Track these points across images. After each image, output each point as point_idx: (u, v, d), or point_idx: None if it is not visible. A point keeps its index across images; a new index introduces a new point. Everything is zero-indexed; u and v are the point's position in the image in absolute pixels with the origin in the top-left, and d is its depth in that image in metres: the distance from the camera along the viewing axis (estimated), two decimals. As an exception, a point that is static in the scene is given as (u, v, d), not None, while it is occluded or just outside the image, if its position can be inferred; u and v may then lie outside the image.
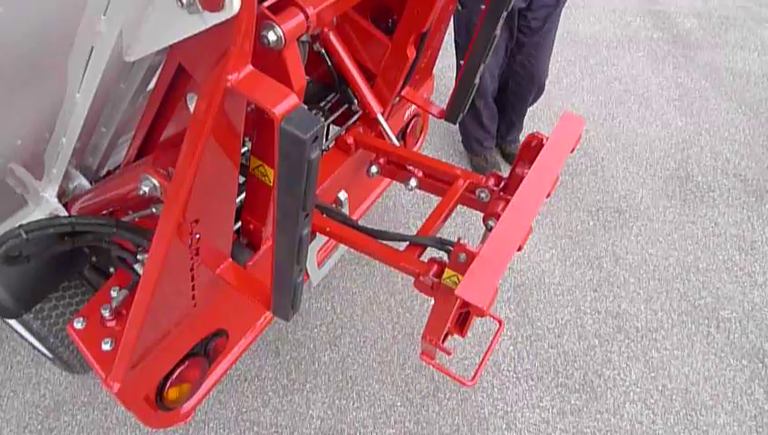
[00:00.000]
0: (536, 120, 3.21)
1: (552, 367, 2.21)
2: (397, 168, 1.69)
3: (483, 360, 1.46)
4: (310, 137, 0.77)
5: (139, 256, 1.35)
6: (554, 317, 2.35)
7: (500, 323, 1.59)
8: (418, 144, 2.20)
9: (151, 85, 1.16)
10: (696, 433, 2.03)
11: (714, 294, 2.44)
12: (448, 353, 1.37)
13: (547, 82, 2.78)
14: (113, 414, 2.05)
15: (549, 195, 1.27)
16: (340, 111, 1.84)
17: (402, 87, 1.71)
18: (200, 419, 2.05)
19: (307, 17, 0.87)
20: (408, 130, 2.06)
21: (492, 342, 1.49)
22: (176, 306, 1.26)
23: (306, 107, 0.81)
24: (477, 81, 1.64)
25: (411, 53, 1.59)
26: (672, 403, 2.11)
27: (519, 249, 1.17)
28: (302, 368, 2.20)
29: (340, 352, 2.24)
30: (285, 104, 0.77)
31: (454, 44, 2.54)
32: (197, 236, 1.08)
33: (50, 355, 1.92)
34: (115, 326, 1.36)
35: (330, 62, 1.68)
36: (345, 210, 1.82)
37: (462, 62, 1.64)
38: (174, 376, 1.39)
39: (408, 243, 1.38)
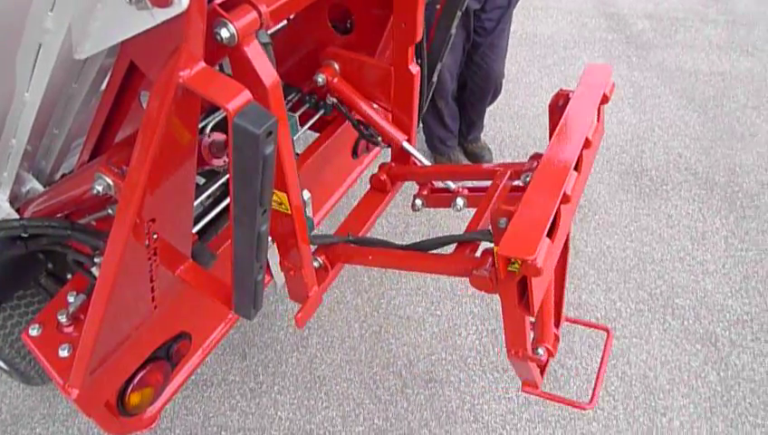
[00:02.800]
0: (497, 119, 3.28)
1: (517, 359, 2.25)
2: (440, 193, 1.62)
3: (598, 377, 1.41)
4: (263, 132, 0.77)
5: (96, 259, 1.33)
6: (518, 310, 2.40)
7: (607, 331, 1.52)
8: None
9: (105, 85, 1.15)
10: (654, 416, 2.11)
11: (668, 283, 2.53)
12: (541, 363, 1.29)
13: (507, 82, 2.85)
14: (75, 426, 2.00)
15: (590, 144, 1.18)
16: (318, 115, 1.85)
17: (422, 106, 1.68)
18: (166, 426, 2.02)
19: (260, 14, 0.88)
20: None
21: (603, 354, 1.45)
22: (135, 309, 1.24)
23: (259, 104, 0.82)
24: (435, 79, 1.67)
25: (414, 68, 1.55)
26: (631, 388, 2.18)
27: (567, 200, 1.06)
28: (270, 370, 2.18)
29: (308, 353, 2.24)
30: (238, 100, 0.78)
31: None
32: (155, 235, 1.07)
33: (6, 367, 1.87)
34: (72, 332, 1.33)
35: (345, 110, 1.69)
36: (309, 210, 1.82)
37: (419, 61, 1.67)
38: (135, 381, 1.37)
39: (455, 245, 1.30)
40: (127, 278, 1.10)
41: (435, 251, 1.33)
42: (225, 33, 0.85)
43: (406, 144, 1.66)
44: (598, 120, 1.27)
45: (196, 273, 1.25)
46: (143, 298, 1.22)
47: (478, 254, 1.22)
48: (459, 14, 1.55)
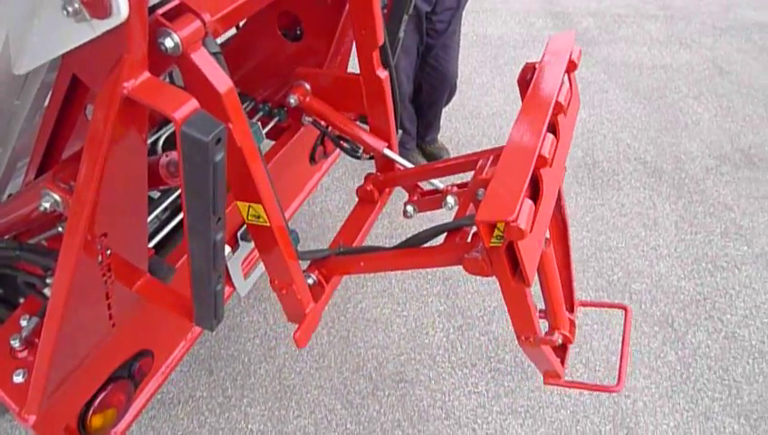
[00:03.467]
0: (453, 119, 3.33)
1: (485, 353, 2.29)
2: (429, 195, 1.60)
3: (622, 357, 1.38)
4: (212, 139, 0.77)
5: (47, 280, 1.29)
6: (482, 305, 2.44)
7: (625, 309, 1.49)
8: (338, 150, 2.23)
9: (48, 101, 1.12)
10: (619, 399, 2.17)
11: (625, 269, 2.61)
12: (554, 344, 1.25)
13: (461, 83, 2.90)
14: (36, 455, 1.93)
15: (562, 109, 1.16)
16: (273, 123, 1.85)
17: (397, 110, 1.65)
18: (133, 448, 1.97)
19: (204, 23, 0.88)
20: (326, 139, 2.08)
21: (624, 333, 1.42)
22: (92, 328, 1.21)
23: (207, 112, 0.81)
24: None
25: (382, 73, 1.54)
26: (596, 373, 2.24)
27: (545, 162, 1.03)
28: (238, 383, 2.16)
29: (277, 363, 2.22)
30: (185, 109, 0.78)
31: None
32: (108, 251, 1.05)
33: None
34: (27, 356, 1.29)
35: (323, 127, 1.68)
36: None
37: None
38: (96, 402, 1.33)
39: (445, 236, 1.28)
40: (80, 297, 1.08)
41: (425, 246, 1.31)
42: (169, 43, 0.84)
43: (386, 151, 1.63)
44: (570, 89, 1.28)
45: (154, 287, 1.23)
46: (99, 317, 1.20)
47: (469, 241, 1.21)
48: (405, 17, 1.57)
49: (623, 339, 1.38)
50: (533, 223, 0.97)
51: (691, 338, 2.37)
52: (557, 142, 1.14)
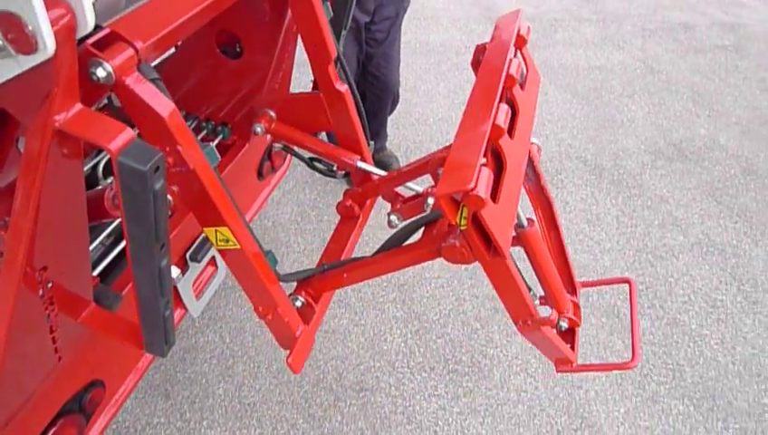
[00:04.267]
0: (400, 127, 3.38)
1: (442, 356, 2.33)
2: (411, 201, 1.56)
3: (633, 331, 1.35)
4: (150, 168, 0.77)
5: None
6: (438, 309, 2.49)
7: (629, 282, 1.48)
8: (286, 163, 2.24)
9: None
10: (572, 390, 2.25)
11: (573, 265, 2.71)
12: (553, 324, 1.20)
13: (405, 90, 2.95)
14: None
15: (514, 81, 1.16)
16: (217, 140, 1.84)
17: (363, 121, 1.63)
18: (89, 481, 1.90)
19: (137, 51, 0.88)
20: (273, 153, 2.09)
21: (632, 307, 1.39)
22: (37, 363, 1.18)
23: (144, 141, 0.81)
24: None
25: (341, 86, 1.53)
26: (549, 368, 2.32)
27: (500, 132, 1.01)
28: (197, 405, 2.12)
29: (235, 382, 2.20)
30: (120, 139, 0.77)
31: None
32: (50, 284, 1.03)
33: None
34: (-31, 398, 1.24)
35: (292, 151, 1.68)
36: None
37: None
38: (47, 439, 1.29)
39: (422, 232, 1.27)
40: (23, 332, 1.05)
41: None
42: (101, 73, 0.84)
43: (360, 163, 1.62)
44: (526, 63, 1.29)
45: (100, 317, 1.20)
46: (45, 350, 1.16)
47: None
48: (344, 33, 1.60)
49: (631, 313, 1.34)
50: (499, 193, 0.98)
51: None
52: (517, 114, 1.14)
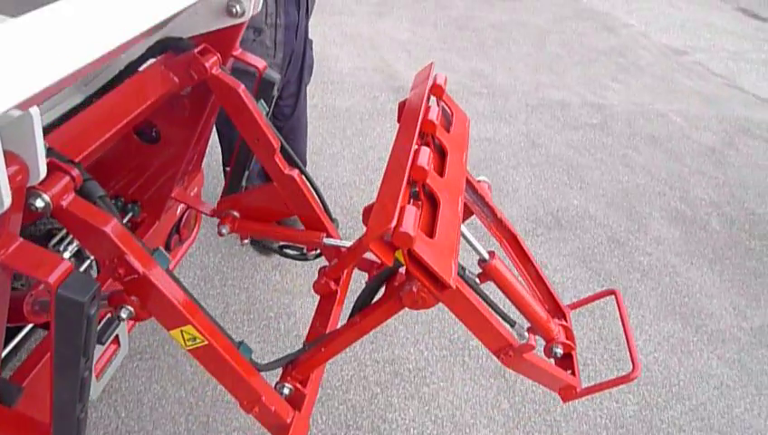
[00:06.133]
0: (306, 189, 3.50)
1: (344, 422, 2.42)
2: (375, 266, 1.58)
3: (629, 342, 1.33)
4: (88, 299, 0.84)
5: None
6: (340, 374, 2.59)
7: (614, 293, 1.48)
8: (193, 235, 2.27)
9: None
10: (463, 451, 2.43)
11: (463, 328, 2.92)
12: (532, 349, 1.16)
13: (312, 154, 3.09)
14: None
15: (434, 127, 1.19)
16: (127, 218, 1.85)
17: (321, 197, 1.70)
18: None
19: (74, 178, 0.94)
20: (182, 225, 2.12)
21: (622, 317, 1.38)
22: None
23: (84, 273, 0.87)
24: (244, 183, 1.81)
25: (292, 172, 1.59)
26: (443, 429, 2.49)
27: (423, 174, 1.03)
28: (88, 487, 2.04)
29: (132, 459, 2.14)
30: (58, 272, 0.83)
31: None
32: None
33: None
34: None
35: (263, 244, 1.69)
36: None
37: (227, 168, 1.80)
38: None
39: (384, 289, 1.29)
40: None
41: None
42: (39, 204, 0.89)
43: (326, 240, 1.66)
44: (450, 108, 1.38)
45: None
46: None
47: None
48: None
49: (622, 322, 1.34)
50: (435, 229, 1.01)
51: (520, 386, 2.74)
52: (446, 155, 1.20)
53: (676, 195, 4.30)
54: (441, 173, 1.17)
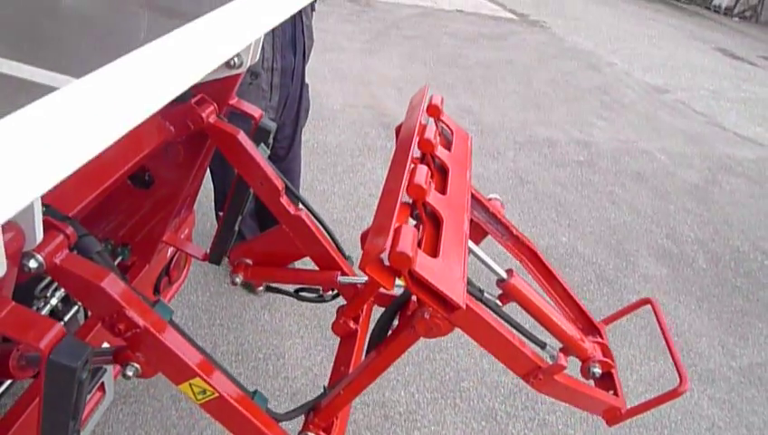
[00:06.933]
0: (297, 226, 3.50)
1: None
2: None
3: (672, 353, 1.25)
4: (80, 364, 0.82)
5: None
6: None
7: (650, 302, 1.40)
8: (183, 276, 2.25)
9: None
10: (455, 498, 2.39)
11: (455, 369, 2.92)
12: (563, 368, 1.08)
13: (303, 190, 3.09)
14: None
15: (432, 146, 1.16)
16: (117, 261, 1.82)
17: (331, 235, 1.67)
18: None
19: (68, 237, 0.93)
20: (172, 266, 2.10)
21: (661, 327, 1.31)
22: None
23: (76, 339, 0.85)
24: (237, 228, 1.80)
25: (298, 212, 1.56)
26: (433, 476, 2.45)
27: (422, 193, 0.99)
28: None
29: (113, 510, 2.06)
30: (49, 336, 0.81)
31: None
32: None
33: None
34: None
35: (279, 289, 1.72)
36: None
37: (221, 213, 1.79)
38: None
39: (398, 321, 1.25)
40: None
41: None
42: (33, 265, 0.88)
43: (341, 278, 1.62)
44: (449, 127, 1.37)
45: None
46: None
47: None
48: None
49: (662, 332, 1.27)
50: (439, 247, 0.97)
51: (512, 429, 2.71)
52: (448, 174, 1.16)
53: (663, 232, 4.36)
54: (443, 191, 1.13)
